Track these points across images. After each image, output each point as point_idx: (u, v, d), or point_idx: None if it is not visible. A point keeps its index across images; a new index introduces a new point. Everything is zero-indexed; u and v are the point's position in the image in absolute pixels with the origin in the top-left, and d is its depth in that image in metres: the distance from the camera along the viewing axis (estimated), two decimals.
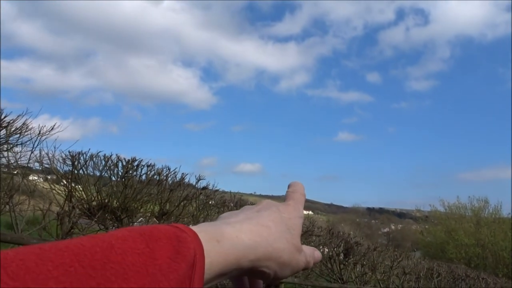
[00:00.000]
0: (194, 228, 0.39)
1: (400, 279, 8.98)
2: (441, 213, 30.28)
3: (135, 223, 4.80)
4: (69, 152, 4.39)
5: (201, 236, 0.37)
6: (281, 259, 0.43)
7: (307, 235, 6.70)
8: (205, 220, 5.29)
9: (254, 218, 0.44)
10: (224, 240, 0.39)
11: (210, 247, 0.37)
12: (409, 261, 9.99)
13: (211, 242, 0.38)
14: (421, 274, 9.52)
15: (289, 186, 0.54)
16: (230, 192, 6.65)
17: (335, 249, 8.01)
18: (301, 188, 0.54)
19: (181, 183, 5.05)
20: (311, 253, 0.49)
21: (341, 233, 8.84)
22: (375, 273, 8.46)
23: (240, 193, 9.45)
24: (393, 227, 59.25)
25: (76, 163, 4.35)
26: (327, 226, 10.23)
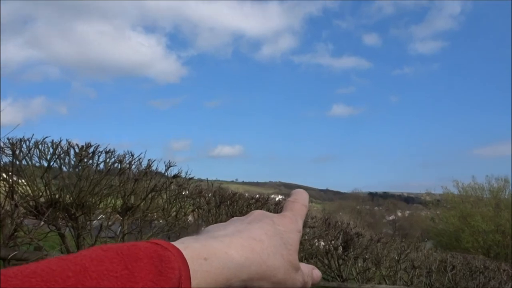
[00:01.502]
0: (178, 244, 0.39)
1: (409, 274, 9.24)
2: (455, 196, 31.05)
3: (94, 221, 4.78)
4: (8, 139, 4.30)
5: (186, 253, 0.38)
6: (276, 278, 0.43)
7: None
8: (178, 214, 5.31)
9: (244, 231, 0.44)
10: (212, 258, 0.39)
11: (196, 266, 0.38)
12: (418, 253, 10.27)
13: (198, 260, 0.38)
14: (433, 268, 9.81)
15: (290, 195, 0.55)
16: (207, 180, 6.65)
17: (333, 242, 8.17)
18: (304, 199, 0.54)
19: (147, 172, 5.04)
20: (309, 272, 0.50)
21: (339, 223, 9.00)
22: (380, 268, 8.68)
23: (219, 180, 9.48)
24: (399, 214, 60.75)
25: (17, 152, 4.27)
26: (322, 215, 10.41)
